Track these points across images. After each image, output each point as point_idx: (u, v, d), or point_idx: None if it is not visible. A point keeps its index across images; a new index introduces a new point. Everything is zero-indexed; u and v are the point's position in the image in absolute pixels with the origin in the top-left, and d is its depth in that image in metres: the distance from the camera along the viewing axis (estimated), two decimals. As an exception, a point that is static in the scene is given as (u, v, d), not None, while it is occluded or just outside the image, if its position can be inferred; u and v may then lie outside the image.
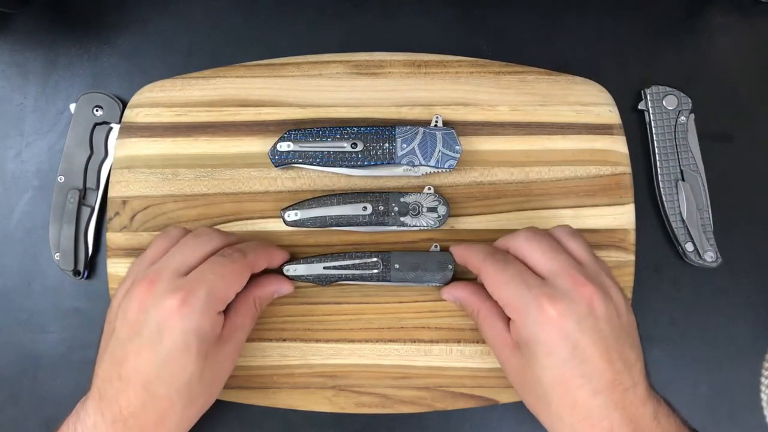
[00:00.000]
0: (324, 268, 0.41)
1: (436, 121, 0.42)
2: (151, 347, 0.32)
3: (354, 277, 0.41)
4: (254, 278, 0.39)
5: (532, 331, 0.32)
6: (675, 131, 0.44)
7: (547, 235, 0.36)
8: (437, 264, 0.40)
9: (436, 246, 0.42)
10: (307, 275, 0.41)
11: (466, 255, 0.38)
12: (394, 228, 0.41)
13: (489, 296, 0.37)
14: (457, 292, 0.40)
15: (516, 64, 0.44)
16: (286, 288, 0.40)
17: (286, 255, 0.41)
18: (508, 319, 0.36)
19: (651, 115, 0.45)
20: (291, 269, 0.41)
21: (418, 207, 0.41)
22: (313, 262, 0.41)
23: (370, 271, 0.41)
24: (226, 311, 0.36)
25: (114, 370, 0.33)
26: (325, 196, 0.41)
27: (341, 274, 0.41)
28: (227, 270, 0.35)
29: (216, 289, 0.34)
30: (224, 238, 0.38)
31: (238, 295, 0.37)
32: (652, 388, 0.33)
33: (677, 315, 0.44)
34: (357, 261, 0.41)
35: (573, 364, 0.31)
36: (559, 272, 0.33)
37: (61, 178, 0.44)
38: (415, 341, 0.42)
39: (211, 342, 0.34)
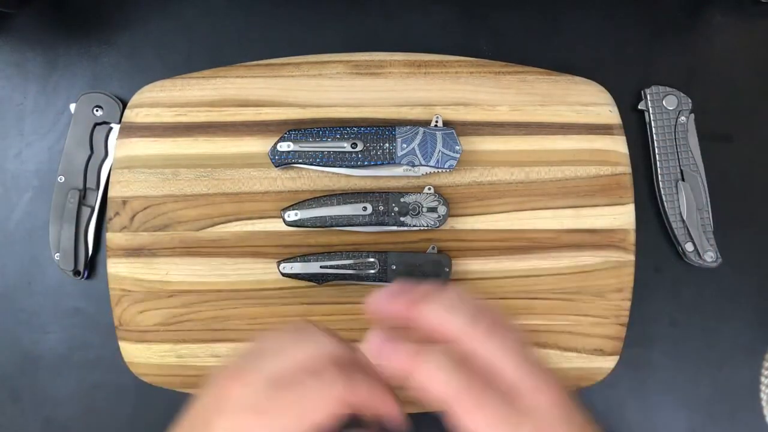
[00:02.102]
0: (320, 267, 0.41)
1: (436, 121, 0.42)
2: None
3: (351, 277, 0.41)
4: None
5: None
6: (675, 131, 0.44)
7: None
8: (434, 266, 0.40)
9: (433, 247, 0.42)
10: (303, 273, 0.41)
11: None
12: (394, 228, 0.41)
13: None
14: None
15: (516, 64, 0.44)
16: None
17: (402, 420, 0.32)
18: None
19: (651, 115, 0.45)
20: (287, 267, 0.41)
21: (418, 207, 0.41)
22: (309, 261, 0.41)
23: (367, 271, 0.41)
24: None
25: None
26: (325, 196, 0.41)
27: (337, 274, 0.41)
28: (320, 404, 0.29)
29: (299, 424, 0.28)
30: (330, 348, 0.31)
31: None
32: None
33: (677, 315, 0.44)
34: (354, 261, 0.41)
35: None
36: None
37: (61, 178, 0.44)
38: (415, 341, 0.41)
39: None
